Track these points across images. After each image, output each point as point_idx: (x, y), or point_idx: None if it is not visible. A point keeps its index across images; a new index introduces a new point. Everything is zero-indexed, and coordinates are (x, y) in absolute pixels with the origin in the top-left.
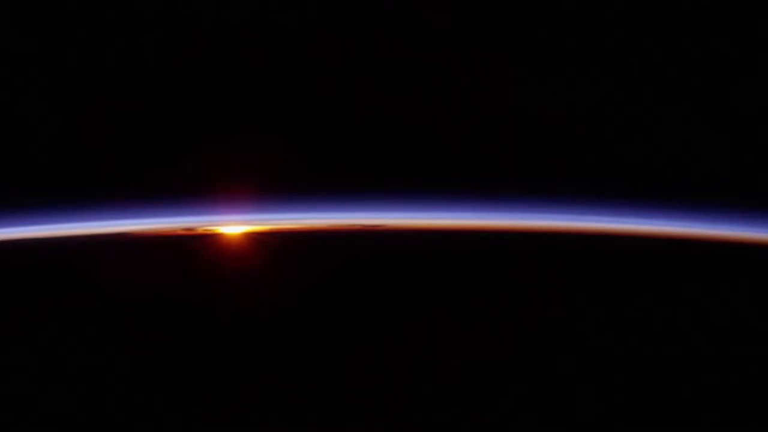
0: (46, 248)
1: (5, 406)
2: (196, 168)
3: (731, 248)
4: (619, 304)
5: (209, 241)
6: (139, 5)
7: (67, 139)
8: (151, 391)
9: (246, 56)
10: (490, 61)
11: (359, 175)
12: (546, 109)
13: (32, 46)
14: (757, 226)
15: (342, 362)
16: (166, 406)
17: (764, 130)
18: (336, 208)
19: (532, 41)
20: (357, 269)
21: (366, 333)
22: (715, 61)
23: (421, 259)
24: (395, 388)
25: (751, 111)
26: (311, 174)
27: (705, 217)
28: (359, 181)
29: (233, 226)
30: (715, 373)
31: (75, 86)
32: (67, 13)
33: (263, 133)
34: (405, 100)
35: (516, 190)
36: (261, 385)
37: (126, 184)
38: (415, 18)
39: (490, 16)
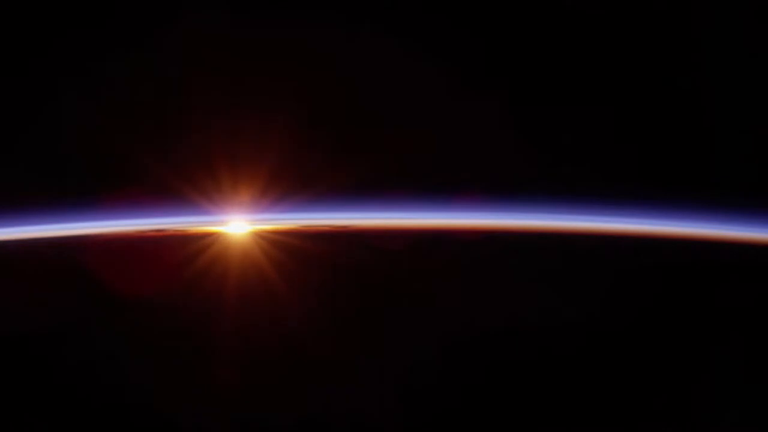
0: (42, 248)
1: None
2: (196, 168)
3: (731, 248)
4: (619, 303)
5: (197, 241)
6: None
7: (67, 139)
8: (150, 390)
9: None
10: None
11: (354, 176)
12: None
13: (42, 45)
14: (757, 226)
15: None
16: (163, 404)
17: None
18: (331, 208)
19: None
20: (350, 270)
21: (357, 331)
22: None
23: (414, 258)
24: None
25: (750, 111)
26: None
27: (706, 217)
28: (355, 182)
29: (228, 226)
30: (715, 372)
31: (76, 86)
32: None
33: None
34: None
35: (522, 191)
36: (262, 385)
37: (127, 184)
38: None
39: None
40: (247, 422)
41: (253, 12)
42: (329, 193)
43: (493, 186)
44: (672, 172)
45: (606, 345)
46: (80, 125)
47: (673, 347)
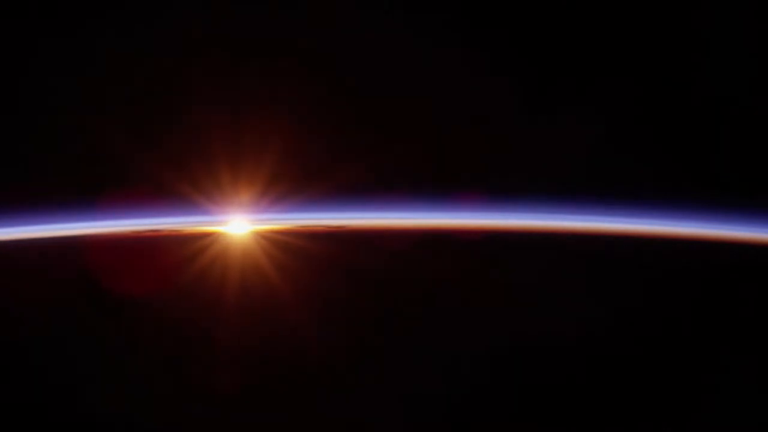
0: (41, 248)
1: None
2: (195, 168)
3: (731, 248)
4: (618, 304)
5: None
6: None
7: (65, 139)
8: (149, 391)
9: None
10: None
11: (355, 175)
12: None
13: (41, 44)
14: (757, 226)
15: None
16: (162, 406)
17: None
18: (332, 208)
19: None
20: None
21: (357, 331)
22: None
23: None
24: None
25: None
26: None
27: (707, 218)
28: (356, 182)
29: (228, 225)
30: (714, 372)
31: (74, 85)
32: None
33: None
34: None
35: (516, 191)
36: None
37: (126, 184)
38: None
39: None
40: (246, 425)
41: (251, 9)
42: (330, 193)
43: (494, 186)
44: (671, 172)
45: (606, 345)
46: (79, 125)
47: (672, 348)
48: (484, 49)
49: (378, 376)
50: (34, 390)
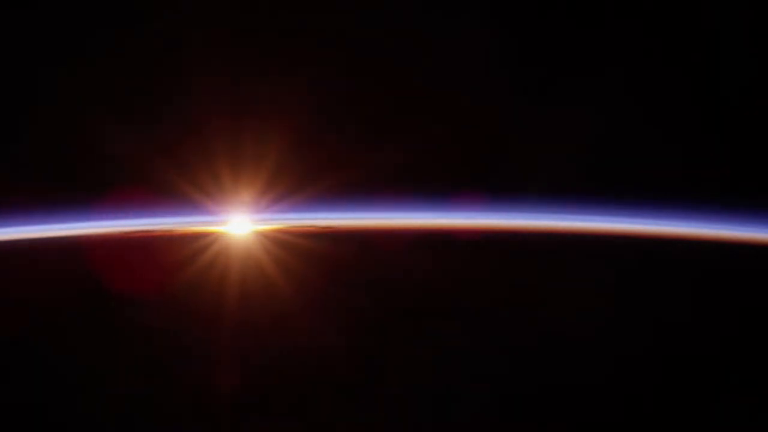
0: (42, 248)
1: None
2: (197, 167)
3: (731, 248)
4: (619, 303)
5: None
6: None
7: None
8: (149, 393)
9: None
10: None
11: (354, 176)
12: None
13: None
14: (757, 226)
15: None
16: (161, 407)
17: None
18: (334, 208)
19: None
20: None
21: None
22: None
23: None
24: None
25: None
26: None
27: (706, 217)
28: (354, 183)
29: (230, 225)
30: (713, 372)
31: (76, 85)
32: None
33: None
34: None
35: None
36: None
37: (126, 184)
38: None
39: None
40: (246, 426)
41: (250, 6)
42: (330, 193)
43: (494, 186)
44: (672, 171)
45: (606, 346)
46: (78, 124)
47: (672, 348)
48: (484, 48)
49: (379, 376)
50: (33, 390)
